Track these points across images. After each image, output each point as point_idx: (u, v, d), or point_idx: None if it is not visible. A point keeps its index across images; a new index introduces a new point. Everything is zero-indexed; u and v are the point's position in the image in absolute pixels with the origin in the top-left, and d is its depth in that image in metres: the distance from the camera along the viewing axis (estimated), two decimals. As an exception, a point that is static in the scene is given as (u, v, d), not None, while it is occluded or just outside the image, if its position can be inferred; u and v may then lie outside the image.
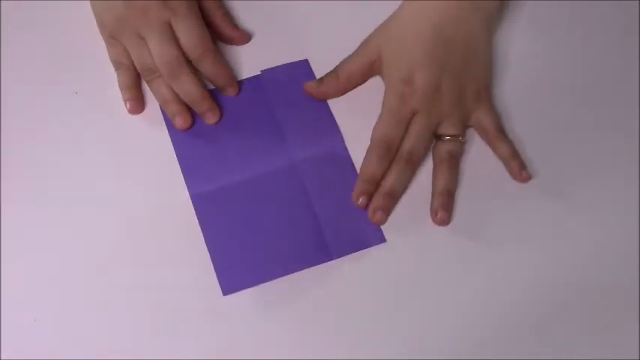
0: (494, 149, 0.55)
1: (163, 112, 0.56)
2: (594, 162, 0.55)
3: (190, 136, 0.55)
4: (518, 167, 0.53)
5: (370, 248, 0.52)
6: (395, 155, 0.53)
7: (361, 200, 0.52)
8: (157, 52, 0.53)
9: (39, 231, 0.52)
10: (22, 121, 0.56)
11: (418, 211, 0.53)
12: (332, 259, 0.51)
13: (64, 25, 0.58)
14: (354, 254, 0.52)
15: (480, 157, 0.55)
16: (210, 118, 0.55)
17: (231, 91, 0.57)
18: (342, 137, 0.56)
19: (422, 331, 0.49)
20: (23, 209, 0.53)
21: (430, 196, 0.53)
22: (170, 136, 0.55)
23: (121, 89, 0.56)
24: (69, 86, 0.57)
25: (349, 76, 0.56)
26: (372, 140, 0.54)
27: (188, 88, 0.54)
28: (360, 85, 0.57)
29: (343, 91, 0.57)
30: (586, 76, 0.58)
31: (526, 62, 0.59)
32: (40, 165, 0.54)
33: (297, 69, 0.58)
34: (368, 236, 0.52)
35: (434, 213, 0.52)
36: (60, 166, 0.54)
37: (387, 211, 0.53)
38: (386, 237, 0.52)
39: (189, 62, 0.54)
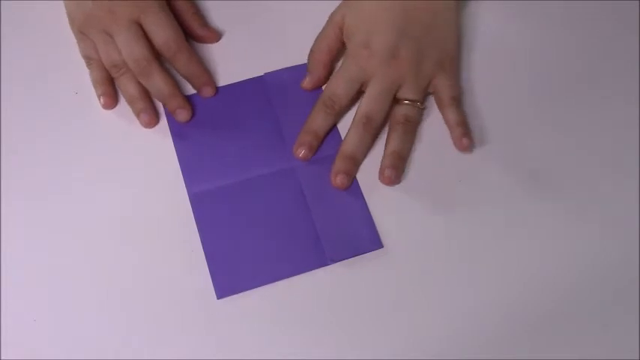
0: (443, 116, 0.56)
1: (165, 111, 0.56)
2: (594, 161, 0.55)
3: (191, 136, 0.55)
4: (461, 134, 0.54)
5: (366, 254, 0.52)
6: (339, 112, 0.55)
7: (302, 152, 0.54)
8: (125, 50, 0.54)
9: (39, 231, 0.52)
10: (22, 121, 0.55)
11: (415, 217, 0.53)
12: (328, 265, 0.51)
13: (64, 25, 0.58)
14: (350, 260, 0.51)
15: (478, 161, 0.55)
16: (181, 115, 0.55)
17: (208, 91, 0.56)
18: (341, 140, 0.55)
19: (418, 337, 0.49)
20: (23, 209, 0.52)
21: (429, 200, 0.53)
22: (172, 135, 0.55)
23: (94, 84, 0.56)
24: (69, 86, 0.57)
25: (328, 47, 0.57)
26: (320, 97, 0.55)
27: (159, 85, 0.54)
28: (341, 54, 0.58)
29: (330, 63, 0.57)
30: (582, 72, 0.59)
31: (520, 56, 0.59)
32: (39, 165, 0.54)
33: (300, 72, 0.58)
34: (365, 242, 0.52)
35: (381, 172, 0.54)
36: (60, 165, 0.54)
37: (349, 175, 0.53)
38: (383, 243, 0.52)
39: (159, 59, 0.55)
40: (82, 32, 0.56)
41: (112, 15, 0.54)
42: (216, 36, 0.59)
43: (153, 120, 0.55)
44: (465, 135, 0.54)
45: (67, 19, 0.58)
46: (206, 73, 0.57)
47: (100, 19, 0.54)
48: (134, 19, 0.54)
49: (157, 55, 0.55)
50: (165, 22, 0.55)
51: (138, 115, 0.55)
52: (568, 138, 0.56)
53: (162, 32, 0.54)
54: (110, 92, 0.56)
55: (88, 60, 0.56)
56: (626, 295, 0.51)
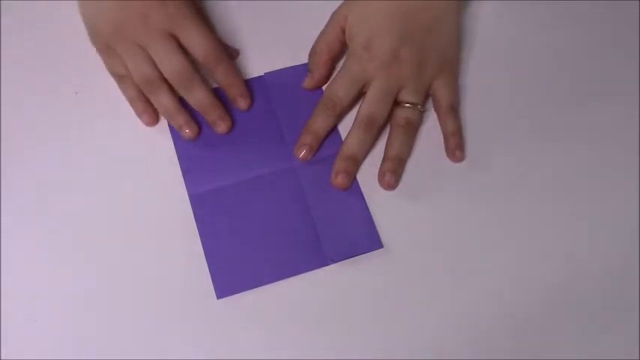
0: (440, 123, 0.56)
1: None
2: (595, 161, 0.55)
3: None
4: (455, 146, 0.55)
5: (366, 254, 0.52)
6: (340, 113, 0.55)
7: (302, 153, 0.54)
8: (165, 62, 0.52)
9: (39, 231, 0.52)
10: (22, 121, 0.55)
11: (415, 217, 0.53)
12: (327, 265, 0.51)
13: (64, 25, 0.58)
14: (350, 260, 0.51)
15: (478, 161, 0.55)
16: (221, 126, 0.54)
17: (242, 103, 0.55)
18: (342, 141, 0.55)
19: (418, 337, 0.49)
20: (23, 209, 0.52)
21: (429, 200, 0.54)
22: (172, 135, 0.55)
23: (132, 102, 0.55)
24: (69, 86, 0.57)
25: (328, 47, 0.57)
26: (321, 98, 0.55)
27: (201, 97, 0.53)
28: (341, 54, 0.58)
29: (331, 63, 0.57)
30: (582, 72, 0.59)
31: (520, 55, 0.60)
32: (39, 165, 0.54)
33: (301, 72, 0.58)
34: (365, 242, 0.52)
35: (382, 176, 0.54)
36: (60, 165, 0.54)
37: (349, 174, 0.54)
38: (383, 243, 0.52)
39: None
40: (109, 46, 0.53)
41: (145, 26, 0.51)
42: (236, 54, 0.58)
43: (195, 131, 0.54)
44: (458, 147, 0.55)
45: (66, 18, 0.57)
46: (243, 84, 0.56)
47: (131, 31, 0.51)
48: (168, 31, 0.52)
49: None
50: (204, 32, 0.53)
51: (180, 128, 0.54)
52: (568, 138, 0.56)
53: (204, 43, 0.52)
54: (151, 109, 0.55)
55: (120, 77, 0.54)
56: (626, 295, 0.51)
